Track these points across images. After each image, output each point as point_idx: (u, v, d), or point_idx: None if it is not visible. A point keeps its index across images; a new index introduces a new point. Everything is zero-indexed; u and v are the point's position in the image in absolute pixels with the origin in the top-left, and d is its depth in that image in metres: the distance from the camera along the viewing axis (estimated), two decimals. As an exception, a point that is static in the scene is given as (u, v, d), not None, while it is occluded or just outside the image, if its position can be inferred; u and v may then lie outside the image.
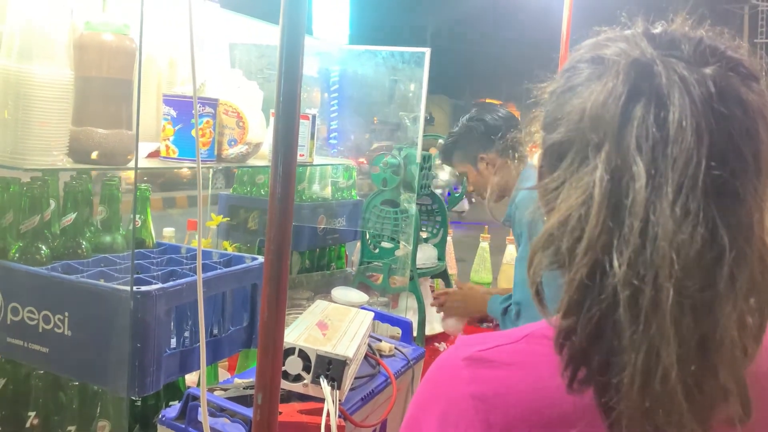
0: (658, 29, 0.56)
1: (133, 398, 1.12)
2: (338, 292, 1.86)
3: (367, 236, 2.08)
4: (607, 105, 0.51)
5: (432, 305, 2.10)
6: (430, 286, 2.35)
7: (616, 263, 0.48)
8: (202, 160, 1.34)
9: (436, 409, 0.57)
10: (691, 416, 0.48)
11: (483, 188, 1.88)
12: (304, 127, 1.63)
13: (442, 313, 2.21)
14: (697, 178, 0.48)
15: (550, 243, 0.53)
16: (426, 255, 2.17)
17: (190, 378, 1.27)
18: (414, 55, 1.89)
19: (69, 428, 1.05)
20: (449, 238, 2.39)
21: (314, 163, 1.74)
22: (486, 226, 2.57)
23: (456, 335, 2.24)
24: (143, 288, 0.97)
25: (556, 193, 0.55)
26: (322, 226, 2.04)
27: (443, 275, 2.29)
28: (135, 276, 1.06)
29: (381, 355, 1.30)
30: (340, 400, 1.00)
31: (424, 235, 2.25)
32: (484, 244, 2.53)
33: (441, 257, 2.25)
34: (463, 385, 0.56)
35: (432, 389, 0.60)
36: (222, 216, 1.92)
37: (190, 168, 1.25)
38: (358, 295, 1.85)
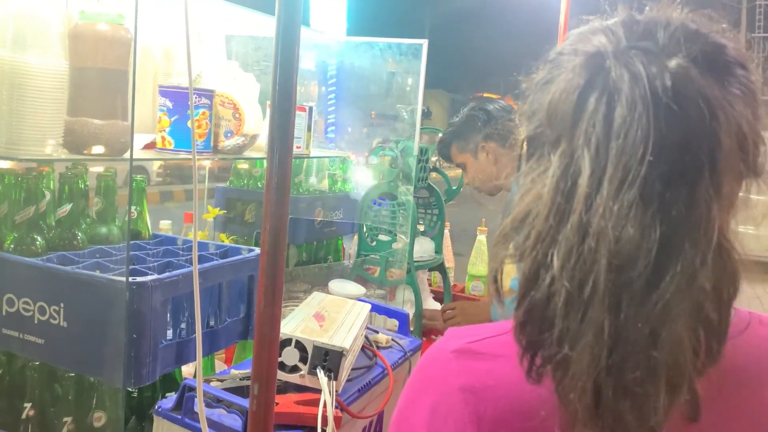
0: (638, 16, 0.55)
1: (130, 389, 1.12)
2: (335, 284, 1.86)
3: (365, 229, 2.08)
4: (563, 100, 0.51)
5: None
6: (427, 279, 2.35)
7: (555, 260, 0.48)
8: (198, 152, 1.33)
9: (426, 402, 0.57)
10: (636, 415, 0.47)
11: (482, 179, 1.87)
12: (300, 119, 1.62)
13: (442, 305, 2.22)
14: (638, 174, 0.47)
15: (509, 237, 0.54)
16: (423, 248, 2.17)
17: (187, 369, 1.27)
18: (411, 47, 1.89)
19: (65, 419, 1.05)
20: (447, 231, 2.39)
21: (311, 155, 1.73)
22: (483, 219, 2.57)
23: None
24: (139, 279, 0.97)
25: (522, 189, 0.55)
26: (319, 219, 2.04)
27: (440, 268, 2.29)
28: (131, 267, 1.06)
29: (378, 347, 1.30)
30: (336, 391, 1.00)
31: (421, 227, 2.25)
32: (482, 237, 2.53)
33: (438, 250, 2.25)
34: (452, 377, 0.56)
35: (421, 382, 0.59)
36: (219, 208, 1.91)
37: (185, 159, 1.24)
38: (355, 288, 1.85)
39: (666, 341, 0.47)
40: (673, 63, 0.49)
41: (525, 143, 0.58)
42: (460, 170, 2.25)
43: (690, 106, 0.48)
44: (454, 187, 2.34)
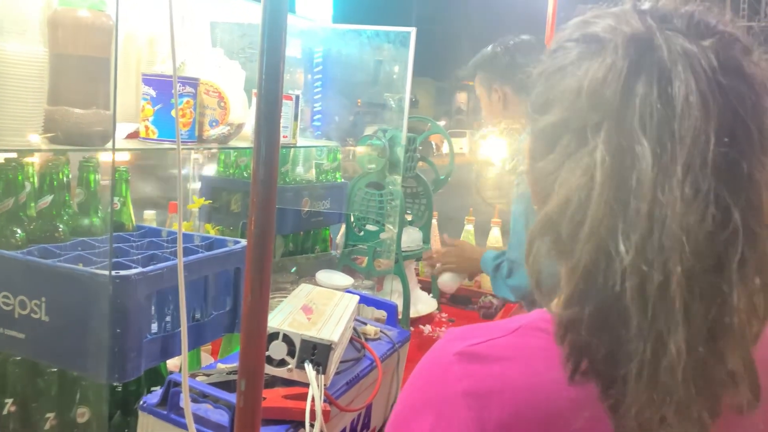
0: (646, 5, 0.54)
1: (114, 384, 1.10)
2: (323, 275, 1.85)
3: (352, 219, 2.06)
4: (607, 82, 0.49)
5: (426, 263, 2.10)
6: (415, 269, 2.34)
7: (622, 248, 0.46)
8: (183, 141, 1.31)
9: (427, 407, 0.54)
10: (700, 405, 0.46)
11: (488, 117, 1.85)
12: (287, 108, 1.60)
13: (430, 294, 2.21)
14: (706, 156, 0.45)
15: (548, 229, 0.51)
16: (411, 238, 2.16)
17: (173, 363, 1.25)
18: (399, 34, 1.87)
19: (47, 415, 1.03)
20: (434, 221, 2.38)
21: (298, 144, 1.71)
22: (471, 209, 2.56)
23: (450, 292, 2.24)
24: (122, 272, 0.95)
25: (553, 177, 0.52)
26: (306, 209, 2.02)
27: (428, 258, 2.28)
28: (114, 260, 1.04)
29: (366, 339, 1.29)
30: (325, 385, 0.99)
31: (408, 218, 2.24)
32: (469, 227, 2.52)
33: (426, 240, 2.24)
34: (455, 381, 0.53)
35: (423, 386, 0.57)
36: (204, 198, 1.88)
37: (169, 149, 1.22)
38: (343, 279, 1.84)
39: (732, 330, 0.46)
40: (708, 43, 0.48)
41: (541, 132, 0.56)
42: (447, 159, 2.24)
43: (740, 83, 0.48)
44: (442, 177, 2.32)
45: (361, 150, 2.00)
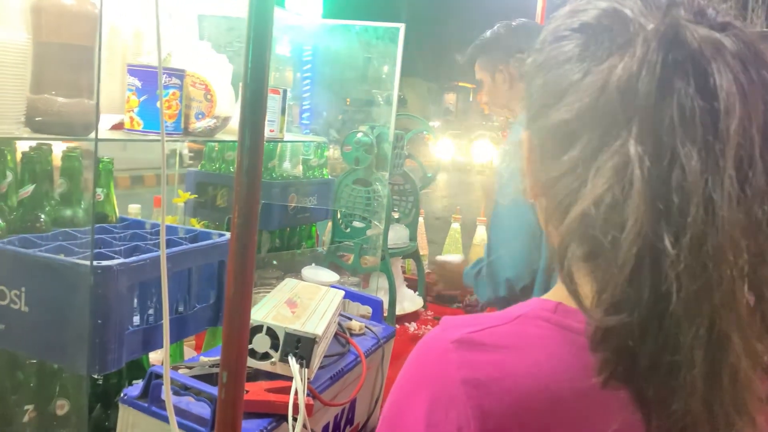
0: None
1: (95, 376, 1.08)
2: (308, 271, 1.84)
3: (339, 215, 2.06)
4: (640, 77, 0.46)
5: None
6: (402, 266, 2.34)
7: (671, 250, 0.44)
8: (168, 133, 1.30)
9: (423, 396, 0.52)
10: (752, 402, 0.45)
11: (493, 101, 1.83)
12: (274, 102, 1.59)
13: (416, 292, 2.22)
14: (753, 151, 0.44)
15: (582, 232, 0.48)
16: (398, 235, 2.16)
17: (155, 356, 1.24)
18: (388, 30, 1.86)
19: (26, 407, 1.01)
20: (421, 219, 2.38)
21: (285, 139, 1.70)
22: (458, 207, 2.56)
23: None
24: (104, 263, 0.93)
25: (574, 176, 0.50)
26: (293, 205, 2.01)
27: (414, 255, 2.28)
28: (96, 251, 1.03)
29: (351, 334, 1.28)
30: (308, 379, 0.99)
31: (395, 215, 2.24)
32: (456, 225, 2.53)
33: (413, 237, 2.24)
34: (453, 369, 0.51)
35: (418, 374, 0.55)
36: (189, 193, 1.87)
37: (154, 141, 1.21)
38: (329, 275, 1.83)
39: None
40: (729, 34, 0.47)
41: (552, 129, 0.53)
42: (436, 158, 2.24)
43: (766, 73, 0.47)
44: (429, 174, 2.33)
45: (348, 146, 1.99)
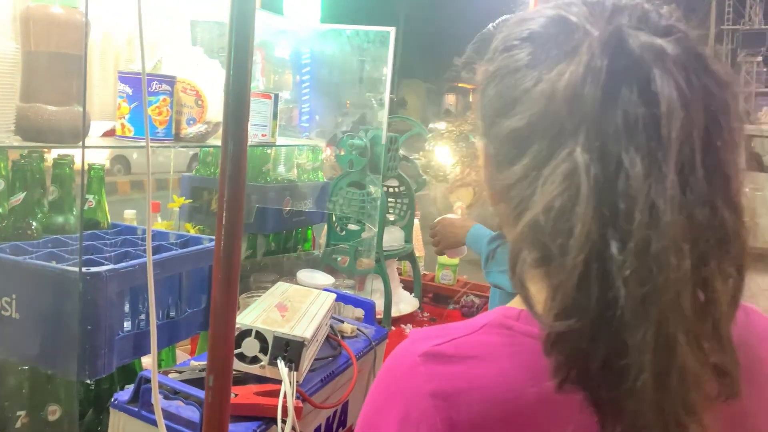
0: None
1: (87, 382, 1.09)
2: (304, 274, 1.85)
3: (334, 218, 2.07)
4: (585, 85, 0.47)
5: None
6: (397, 268, 2.35)
7: (617, 256, 0.44)
8: (159, 139, 1.31)
9: (395, 410, 0.53)
10: (699, 401, 0.46)
11: None
12: (266, 107, 1.60)
13: (412, 294, 2.21)
14: (694, 156, 0.45)
15: (532, 239, 0.49)
16: (393, 237, 2.16)
17: (147, 360, 1.25)
18: (379, 34, 1.87)
19: (18, 413, 1.02)
20: (416, 221, 2.39)
21: (277, 143, 1.71)
22: (461, 205, 2.57)
23: (460, 256, 2.13)
24: (93, 269, 0.94)
25: (526, 184, 0.50)
26: (288, 209, 2.02)
27: (410, 257, 2.29)
28: (87, 257, 1.04)
29: (343, 336, 1.29)
30: (297, 382, 0.99)
31: (391, 217, 2.25)
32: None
33: (408, 239, 2.25)
34: (422, 383, 0.52)
35: (389, 388, 0.56)
36: (184, 198, 1.88)
37: (142, 147, 1.22)
38: (324, 278, 1.84)
39: (721, 323, 0.46)
40: (672, 40, 0.48)
41: (506, 137, 0.54)
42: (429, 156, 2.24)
43: (710, 81, 0.48)
44: (424, 177, 2.33)
45: (341, 149, 2.00)
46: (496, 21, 1.71)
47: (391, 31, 1.81)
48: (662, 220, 0.44)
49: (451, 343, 0.54)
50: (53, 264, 0.99)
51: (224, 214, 0.74)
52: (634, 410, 0.45)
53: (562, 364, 0.47)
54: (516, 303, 0.57)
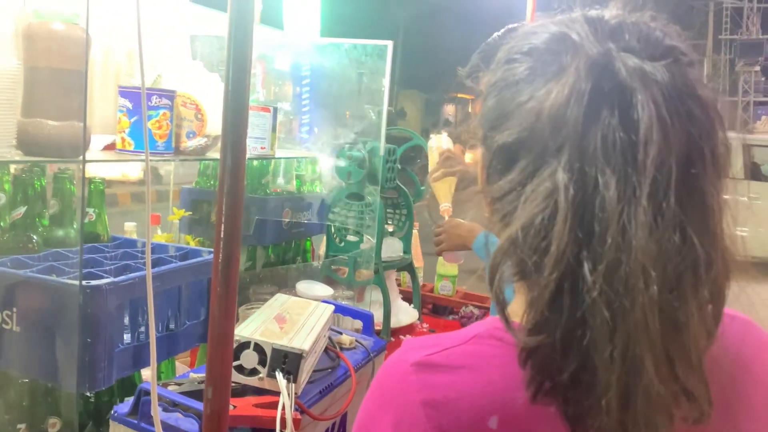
0: (593, 13, 0.54)
1: (87, 395, 1.10)
2: (303, 285, 1.85)
3: (333, 230, 2.07)
4: (569, 106, 0.48)
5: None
6: (396, 279, 2.35)
7: (588, 277, 0.45)
8: (159, 153, 1.32)
9: (387, 418, 0.54)
10: (659, 423, 0.47)
11: None
12: (265, 120, 1.61)
13: (411, 305, 2.21)
14: (669, 182, 0.46)
15: (512, 253, 0.50)
16: (392, 248, 2.17)
17: (147, 373, 1.25)
18: (377, 47, 1.89)
19: (19, 426, 1.03)
20: (415, 231, 2.40)
21: (276, 156, 1.72)
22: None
23: (457, 262, 2.10)
24: (93, 282, 0.95)
25: (511, 198, 0.52)
26: (287, 220, 2.03)
27: (409, 268, 2.29)
28: (87, 270, 1.04)
29: (341, 348, 1.29)
30: (296, 394, 1.00)
31: (390, 228, 2.25)
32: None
33: (407, 250, 2.26)
34: (414, 392, 0.53)
35: (382, 397, 0.57)
36: (184, 210, 1.89)
37: (142, 161, 1.23)
38: (323, 289, 1.85)
39: (690, 351, 0.47)
40: (663, 65, 0.49)
41: (497, 151, 0.55)
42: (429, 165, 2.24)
43: (695, 107, 0.48)
44: (423, 187, 2.34)
45: (340, 161, 2.01)
46: (501, 30, 1.70)
47: (389, 44, 1.82)
48: (633, 244, 0.45)
49: (443, 353, 0.56)
50: (54, 277, 1.00)
51: (222, 227, 0.75)
52: (599, 427, 0.46)
53: (534, 377, 0.49)
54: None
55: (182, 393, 0.97)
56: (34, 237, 1.13)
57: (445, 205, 1.91)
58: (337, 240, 2.08)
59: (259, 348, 1.01)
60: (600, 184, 0.46)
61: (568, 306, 0.46)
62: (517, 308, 0.52)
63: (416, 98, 22.01)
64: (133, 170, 1.66)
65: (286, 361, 1.00)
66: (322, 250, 2.24)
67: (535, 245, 0.48)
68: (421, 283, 2.37)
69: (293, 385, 0.99)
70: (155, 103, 1.30)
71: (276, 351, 1.00)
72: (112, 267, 1.09)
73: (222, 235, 0.75)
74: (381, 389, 0.58)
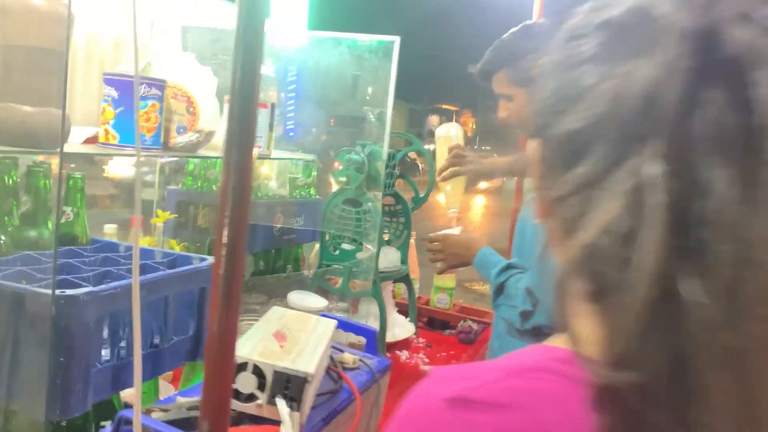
0: None
1: (58, 420, 0.96)
2: (295, 296, 1.74)
3: (327, 237, 1.96)
4: (663, 84, 0.38)
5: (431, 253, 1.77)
6: (392, 290, 2.24)
7: (696, 299, 0.36)
8: (147, 148, 1.20)
9: None
10: None
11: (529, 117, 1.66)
12: (262, 117, 1.50)
13: (407, 318, 2.10)
14: None
15: (584, 266, 0.41)
16: (388, 258, 2.06)
17: (128, 393, 1.12)
18: (381, 43, 1.78)
19: (-23, 456, 0.89)
20: (412, 241, 2.29)
21: (272, 156, 1.60)
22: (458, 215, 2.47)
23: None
24: (69, 291, 0.82)
25: (581, 197, 0.42)
26: (279, 226, 1.91)
27: (405, 279, 2.18)
28: (62, 277, 0.92)
29: (344, 368, 1.17)
30: (300, 423, 0.88)
31: (386, 237, 2.15)
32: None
33: (404, 260, 2.14)
34: None
35: None
36: (169, 212, 1.76)
37: (129, 155, 1.11)
38: (317, 300, 1.73)
39: None
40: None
41: (559, 139, 0.45)
42: (428, 175, 2.14)
43: None
44: (421, 195, 2.24)
45: (337, 164, 1.90)
46: (517, 27, 1.60)
47: (396, 40, 1.72)
48: (754, 258, 0.36)
49: (482, 388, 0.46)
50: (23, 284, 0.87)
51: (226, 232, 0.63)
52: None
53: (614, 426, 0.38)
54: (560, 341, 0.49)
55: (169, 422, 0.84)
56: (2, 237, 1.00)
57: (454, 211, 1.81)
58: (332, 248, 1.96)
59: (258, 370, 0.88)
60: (708, 179, 0.36)
61: (666, 335, 0.37)
62: (587, 337, 0.42)
63: (401, 108, 22.05)
64: (120, 167, 1.53)
65: (289, 386, 0.88)
66: (312, 258, 2.12)
67: (620, 256, 0.38)
68: (416, 295, 2.26)
69: (297, 414, 0.87)
70: (144, 92, 1.18)
71: (278, 374, 0.88)
72: (90, 274, 0.96)
73: (225, 242, 0.63)
74: (406, 429, 0.48)
